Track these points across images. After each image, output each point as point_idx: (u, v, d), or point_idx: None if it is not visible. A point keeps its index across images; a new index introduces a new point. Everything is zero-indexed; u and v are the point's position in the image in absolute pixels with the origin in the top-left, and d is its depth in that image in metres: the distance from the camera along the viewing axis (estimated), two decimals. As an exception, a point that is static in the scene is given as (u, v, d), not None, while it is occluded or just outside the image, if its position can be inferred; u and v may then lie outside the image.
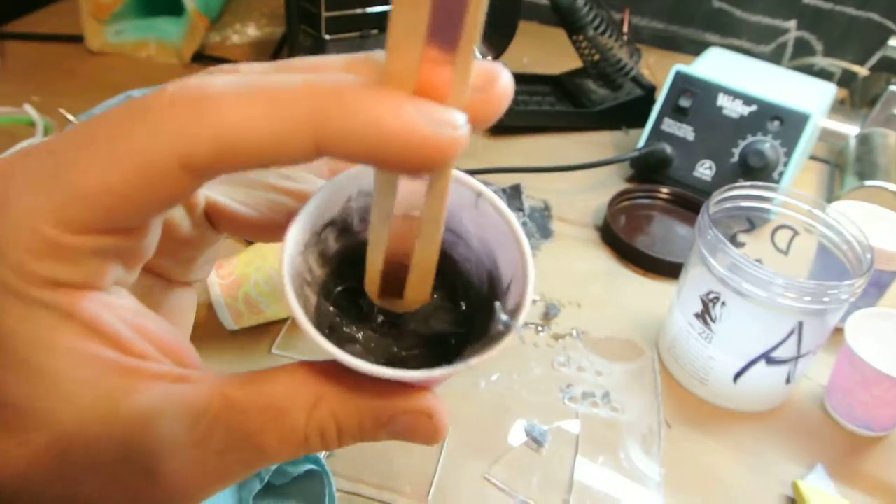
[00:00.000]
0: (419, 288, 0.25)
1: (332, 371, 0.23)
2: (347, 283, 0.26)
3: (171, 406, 0.22)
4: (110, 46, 1.02)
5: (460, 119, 0.19)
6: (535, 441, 0.56)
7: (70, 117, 0.73)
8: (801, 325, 0.55)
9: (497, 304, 0.24)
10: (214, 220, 0.27)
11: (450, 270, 0.27)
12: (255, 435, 0.22)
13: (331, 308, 0.26)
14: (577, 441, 0.56)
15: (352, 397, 0.23)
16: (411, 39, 0.19)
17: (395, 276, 0.25)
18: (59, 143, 0.20)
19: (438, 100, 0.20)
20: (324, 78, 0.19)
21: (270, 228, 0.27)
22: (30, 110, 0.84)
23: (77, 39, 1.03)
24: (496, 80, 0.21)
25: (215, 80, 0.20)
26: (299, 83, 0.19)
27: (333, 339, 0.23)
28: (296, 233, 0.23)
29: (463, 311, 0.27)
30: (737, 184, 0.62)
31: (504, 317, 0.24)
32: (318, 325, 0.23)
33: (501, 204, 0.25)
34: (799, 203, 0.62)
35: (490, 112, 0.21)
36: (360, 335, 0.26)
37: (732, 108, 0.80)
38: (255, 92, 0.19)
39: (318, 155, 0.20)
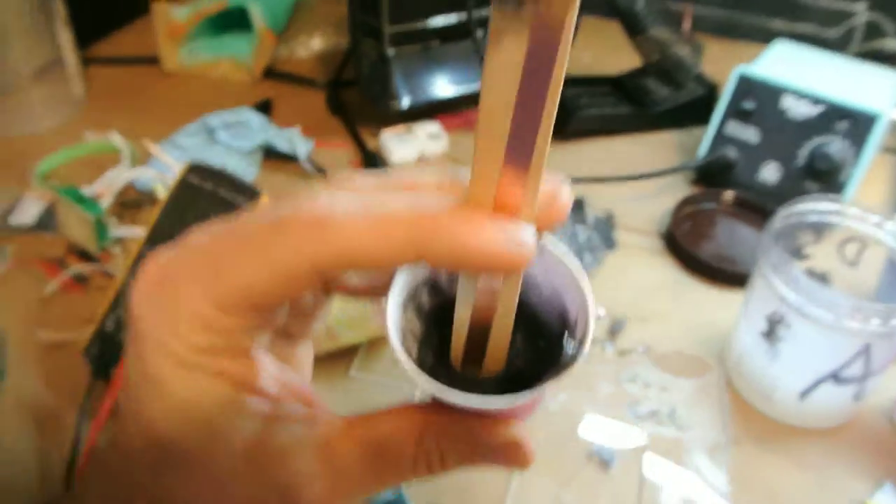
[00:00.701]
0: (495, 360, 0.29)
1: (434, 409, 0.28)
2: (443, 332, 0.30)
3: (307, 443, 0.27)
4: (184, 67, 1.07)
5: (530, 235, 0.24)
6: (604, 461, 0.58)
7: (152, 149, 0.77)
8: (868, 346, 0.55)
9: (566, 336, 0.29)
10: (328, 286, 0.32)
11: (528, 314, 0.31)
12: (373, 465, 0.27)
13: (430, 356, 0.30)
14: (644, 460, 0.58)
15: (452, 429, 0.28)
16: (490, 171, 0.23)
17: (476, 347, 0.29)
18: (217, 244, 0.26)
19: (512, 213, 0.24)
20: (423, 204, 0.24)
21: (374, 290, 0.31)
22: (115, 138, 0.89)
23: (153, 61, 1.08)
24: (558, 197, 0.26)
25: (339, 201, 0.24)
26: (404, 209, 0.24)
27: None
28: (395, 294, 0.28)
29: (540, 348, 0.31)
30: (800, 197, 0.62)
31: (572, 348, 0.28)
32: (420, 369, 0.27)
33: (562, 252, 0.29)
34: (866, 214, 0.62)
35: (552, 222, 0.26)
36: (454, 378, 0.30)
37: (798, 109, 0.79)
38: (372, 216, 0.24)
39: (417, 261, 0.25)
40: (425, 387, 0.27)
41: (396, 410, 0.28)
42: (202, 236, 0.26)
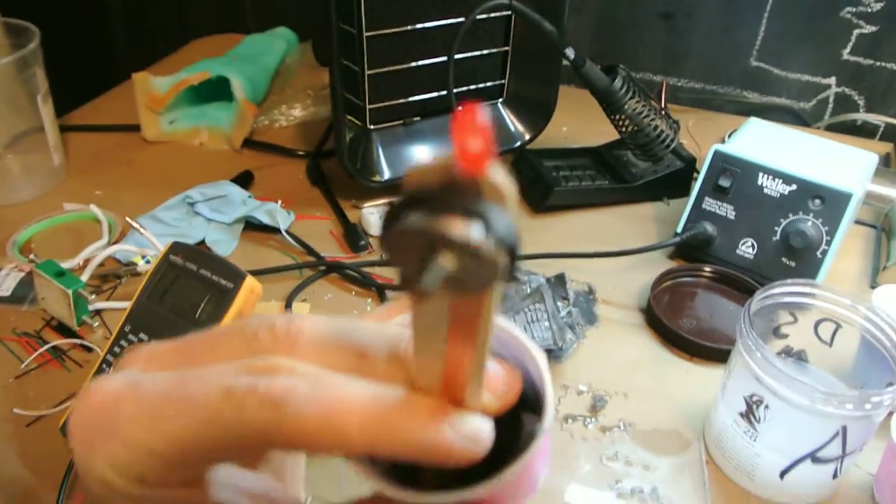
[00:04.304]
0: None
1: None
2: None
3: None
4: (164, 135, 1.08)
5: (485, 432, 0.24)
6: (587, 544, 0.58)
7: (133, 224, 0.77)
8: (844, 428, 0.56)
9: (523, 415, 0.27)
10: None
11: None
12: None
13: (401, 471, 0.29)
14: (627, 545, 0.58)
15: None
16: (434, 361, 0.23)
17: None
18: (167, 395, 0.24)
19: (460, 395, 0.24)
20: (375, 399, 0.24)
21: None
22: (95, 210, 0.89)
23: (133, 128, 1.08)
24: (507, 390, 0.26)
25: (297, 385, 0.23)
26: (356, 400, 0.23)
27: (406, 475, 0.26)
28: None
29: (518, 429, 0.29)
30: (776, 282, 0.63)
31: (530, 426, 0.27)
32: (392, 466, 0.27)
33: (510, 326, 0.28)
34: (838, 297, 0.63)
35: (499, 412, 0.25)
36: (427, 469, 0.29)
37: (773, 187, 0.81)
38: (325, 407, 0.23)
39: (369, 455, 0.24)
40: (384, 491, 0.26)
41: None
42: (153, 382, 0.25)
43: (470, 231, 0.17)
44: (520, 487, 0.28)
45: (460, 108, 0.17)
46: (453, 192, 0.17)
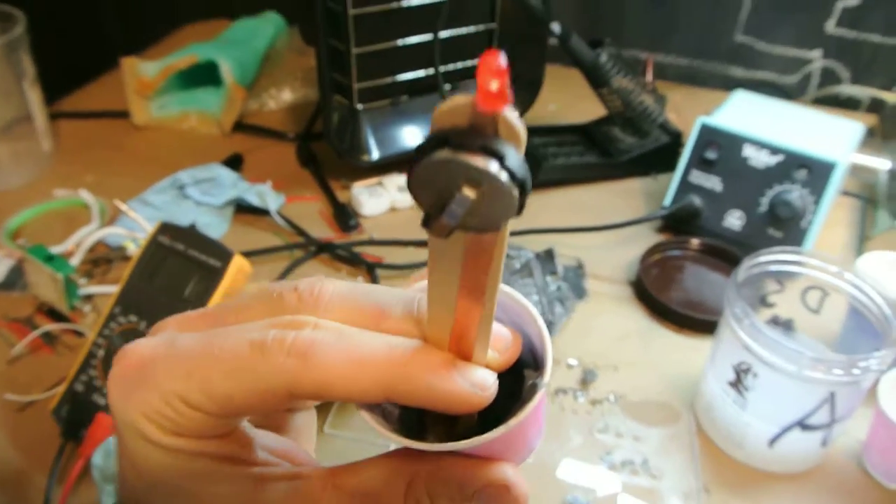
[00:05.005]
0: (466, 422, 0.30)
1: (421, 456, 0.28)
2: None
3: (292, 499, 0.28)
4: (154, 120, 1.07)
5: (490, 381, 0.26)
6: (578, 513, 0.58)
7: (123, 207, 0.77)
8: (833, 395, 0.57)
9: (525, 370, 0.29)
10: None
11: None
12: None
13: (411, 415, 0.31)
14: (618, 513, 0.59)
15: (440, 475, 0.28)
16: (445, 314, 0.25)
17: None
18: (202, 350, 0.27)
19: (468, 347, 0.26)
20: (393, 349, 0.26)
21: None
22: (85, 195, 0.89)
23: (123, 115, 1.08)
24: (509, 348, 0.28)
25: (321, 337, 0.26)
26: (376, 350, 0.26)
27: (417, 434, 0.29)
28: None
29: (519, 386, 0.31)
30: (763, 249, 0.63)
31: (530, 380, 0.29)
32: (404, 426, 0.30)
33: (507, 289, 0.30)
34: (826, 264, 0.64)
35: (502, 367, 0.28)
36: (437, 428, 0.31)
37: (758, 158, 0.81)
38: (348, 356, 0.26)
39: (385, 401, 0.27)
40: (392, 439, 0.28)
41: (384, 459, 0.29)
42: (187, 339, 0.27)
43: (490, 164, 0.19)
44: (524, 438, 0.30)
45: (486, 52, 0.19)
46: (474, 132, 0.20)
